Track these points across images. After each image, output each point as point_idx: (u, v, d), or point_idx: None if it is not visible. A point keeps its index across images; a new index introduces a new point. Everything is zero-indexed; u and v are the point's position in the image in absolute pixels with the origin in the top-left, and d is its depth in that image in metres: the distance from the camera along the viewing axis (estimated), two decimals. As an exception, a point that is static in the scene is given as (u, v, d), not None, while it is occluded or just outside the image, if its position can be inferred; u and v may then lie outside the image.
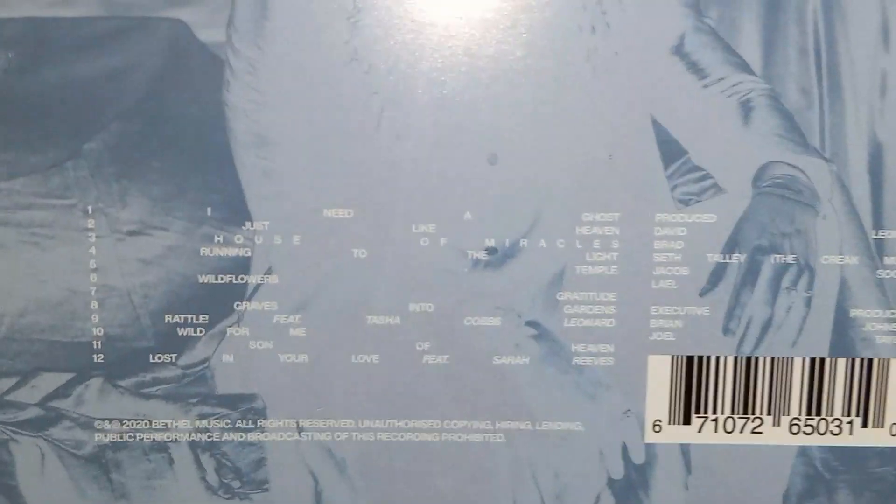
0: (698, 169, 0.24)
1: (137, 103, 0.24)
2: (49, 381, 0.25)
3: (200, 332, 0.25)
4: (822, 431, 0.26)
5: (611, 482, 0.26)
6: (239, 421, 0.25)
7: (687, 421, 0.26)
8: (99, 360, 0.25)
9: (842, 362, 0.25)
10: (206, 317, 0.25)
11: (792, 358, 0.25)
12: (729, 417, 0.26)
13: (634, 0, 0.24)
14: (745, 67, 0.24)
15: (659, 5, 0.24)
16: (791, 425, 0.26)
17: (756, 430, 0.26)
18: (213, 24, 0.23)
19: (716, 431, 0.26)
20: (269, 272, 0.25)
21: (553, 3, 0.23)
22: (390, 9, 0.23)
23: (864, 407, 0.25)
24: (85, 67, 0.24)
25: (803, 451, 0.26)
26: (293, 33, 0.24)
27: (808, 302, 0.25)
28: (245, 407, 0.25)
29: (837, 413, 0.26)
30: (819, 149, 0.24)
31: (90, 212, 0.24)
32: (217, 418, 0.25)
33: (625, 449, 0.26)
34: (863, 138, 0.24)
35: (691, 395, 0.25)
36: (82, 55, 0.24)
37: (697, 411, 0.26)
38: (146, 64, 0.24)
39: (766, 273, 0.25)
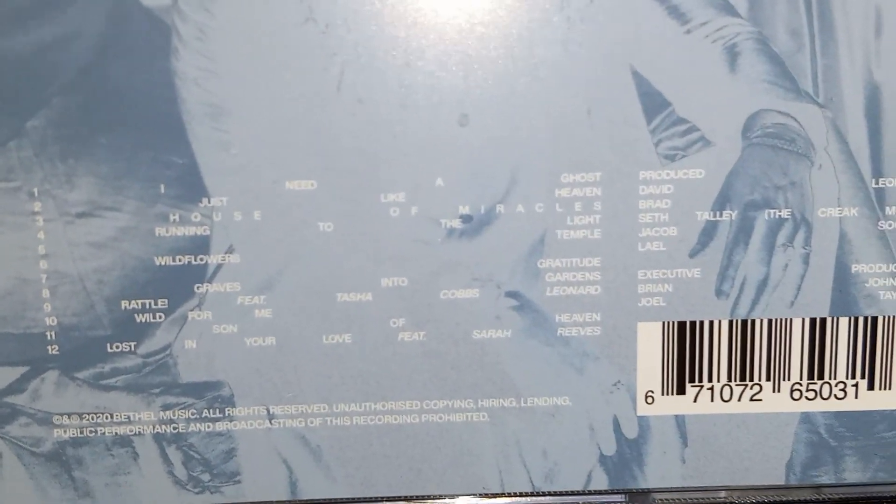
0: (683, 121, 0.23)
1: (80, 75, 0.22)
2: (2, 376, 0.24)
3: (160, 317, 0.24)
4: (825, 396, 0.24)
5: (603, 458, 0.24)
6: (205, 410, 0.24)
7: (681, 391, 0.24)
8: (54, 352, 0.24)
9: (844, 321, 0.24)
10: (166, 301, 0.23)
11: (791, 319, 0.24)
12: (726, 385, 0.24)
13: None
14: (730, 9, 0.23)
15: None
16: (792, 391, 0.24)
17: (755, 398, 0.24)
18: None
19: (712, 400, 0.24)
20: (230, 251, 0.23)
21: None
22: None
23: (870, 368, 0.24)
24: (21, 39, 0.22)
25: (806, 418, 0.24)
26: None
27: (806, 258, 0.24)
28: (211, 395, 0.24)
29: (841, 376, 0.24)
30: (812, 94, 0.23)
31: (36, 194, 0.23)
32: (182, 408, 0.24)
33: (616, 423, 0.24)
34: (858, 81, 0.23)
35: (685, 364, 0.24)
36: (18, 25, 0.22)
37: (692, 380, 0.24)
38: (87, 32, 0.22)
39: (759, 230, 0.24)
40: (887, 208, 0.23)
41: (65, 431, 0.24)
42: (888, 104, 0.23)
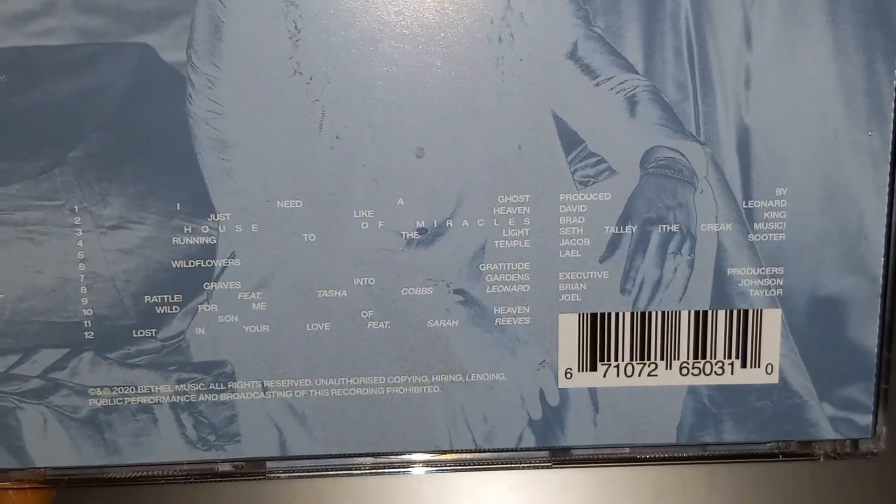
0: (594, 155, 0.28)
1: (112, 116, 0.27)
2: (48, 356, 0.28)
3: (175, 309, 0.28)
4: (707, 372, 0.30)
5: (531, 422, 0.29)
6: (212, 384, 0.29)
7: (593, 368, 0.29)
8: (90, 337, 0.28)
9: (721, 313, 0.29)
10: (180, 296, 0.28)
11: (679, 311, 0.29)
12: (628, 363, 0.29)
13: (533, 14, 0.27)
14: (630, 68, 0.28)
15: (554, 18, 0.27)
16: (681, 368, 0.30)
17: (651, 374, 0.30)
18: (175, 47, 0.27)
19: (618, 376, 0.29)
20: (232, 256, 0.28)
21: (465, 19, 0.27)
22: (327, 28, 0.27)
23: (743, 350, 0.29)
24: (66, 87, 0.27)
25: (692, 390, 0.30)
26: (244, 51, 0.27)
27: (691, 264, 0.29)
28: (217, 371, 0.29)
29: (720, 356, 0.29)
30: (695, 134, 0.28)
31: (76, 210, 0.28)
32: (193, 382, 0.29)
33: (542, 394, 0.29)
34: (731, 124, 0.28)
35: (596, 346, 0.29)
36: (63, 77, 0.27)
37: (602, 359, 0.29)
38: (118, 83, 0.27)
39: (654, 241, 0.29)
40: (755, 224, 0.29)
41: (98, 401, 0.29)
42: (755, 142, 0.28)
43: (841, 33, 0.28)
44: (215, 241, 0.28)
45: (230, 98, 0.27)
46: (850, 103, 0.28)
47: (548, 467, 0.30)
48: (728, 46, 0.28)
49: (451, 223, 0.28)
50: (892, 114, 0.28)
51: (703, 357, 0.30)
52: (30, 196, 0.28)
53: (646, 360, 0.30)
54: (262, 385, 0.29)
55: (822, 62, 0.28)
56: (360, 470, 0.30)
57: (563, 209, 0.28)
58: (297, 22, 0.27)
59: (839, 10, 0.28)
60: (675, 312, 0.29)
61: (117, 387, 0.29)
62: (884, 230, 0.29)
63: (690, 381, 0.30)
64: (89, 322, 0.28)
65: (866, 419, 0.30)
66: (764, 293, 0.29)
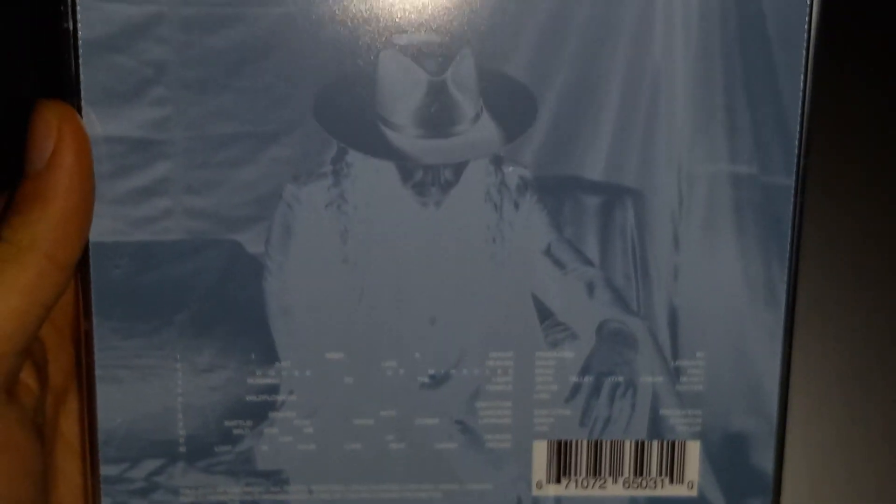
0: (562, 324, 0.36)
1: (208, 290, 0.36)
2: (150, 464, 0.35)
3: (247, 431, 0.36)
4: (644, 487, 0.37)
5: None
6: (271, 487, 0.36)
7: (559, 481, 0.37)
8: (182, 451, 0.35)
9: (656, 443, 0.37)
10: (251, 422, 0.36)
11: (624, 440, 0.37)
12: (585, 478, 0.37)
13: (519, 223, 0.37)
14: (589, 262, 0.36)
15: (534, 226, 0.36)
16: (624, 483, 0.37)
17: (602, 486, 0.37)
18: (257, 243, 0.35)
19: (577, 487, 0.37)
20: (290, 393, 0.36)
21: (469, 227, 0.36)
22: (369, 232, 0.37)
23: (671, 471, 0.37)
24: (175, 269, 0.36)
25: (633, 499, 0.37)
26: (307, 245, 0.35)
27: (633, 406, 0.37)
28: (275, 478, 0.36)
29: (654, 475, 0.37)
30: (636, 311, 0.37)
31: (178, 358, 0.35)
32: (257, 485, 0.36)
33: (519, 500, 0.37)
34: (664, 305, 0.36)
35: (561, 465, 0.37)
36: (173, 262, 0.35)
37: (565, 475, 0.37)
38: (214, 266, 0.35)
39: (606, 388, 0.36)
40: (681, 377, 0.38)
41: (187, 498, 0.36)
42: (681, 318, 0.37)
43: (745, 241, 0.37)
44: (279, 382, 0.36)
45: (295, 278, 0.35)
46: (752, 292, 0.37)
47: (522, 555, 0.39)
48: (662, 249, 0.36)
49: (454, 372, 0.36)
50: (784, 300, 0.38)
51: (641, 475, 0.37)
52: (144, 348, 0.35)
53: (598, 476, 0.37)
54: (309, 489, 0.37)
55: (732, 262, 0.36)
56: (381, 554, 0.38)
57: (538, 363, 0.36)
58: (347, 226, 0.37)
59: (744, 224, 0.37)
60: (620, 441, 0.37)
61: (201, 487, 0.36)
62: (777, 386, 0.38)
63: (632, 492, 0.37)
64: (182, 439, 0.36)
65: (764, 524, 0.39)
66: (687, 429, 0.37)
